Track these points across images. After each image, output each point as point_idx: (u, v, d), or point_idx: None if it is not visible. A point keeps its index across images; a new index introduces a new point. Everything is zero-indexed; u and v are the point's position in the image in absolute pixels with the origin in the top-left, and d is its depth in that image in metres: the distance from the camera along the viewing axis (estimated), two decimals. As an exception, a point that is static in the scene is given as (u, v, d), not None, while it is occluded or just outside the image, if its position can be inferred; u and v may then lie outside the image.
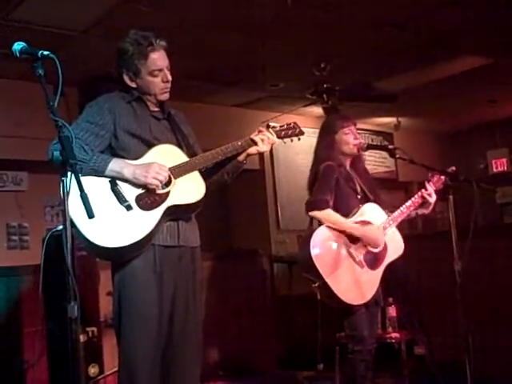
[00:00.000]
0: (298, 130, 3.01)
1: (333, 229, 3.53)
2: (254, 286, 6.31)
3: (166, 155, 2.66)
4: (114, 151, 2.66)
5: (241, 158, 2.85)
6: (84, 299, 2.13)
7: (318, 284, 3.46)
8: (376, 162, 8.52)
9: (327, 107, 6.38)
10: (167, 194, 2.60)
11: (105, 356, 4.46)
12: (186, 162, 2.69)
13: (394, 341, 4.30)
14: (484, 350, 3.98)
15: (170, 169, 2.62)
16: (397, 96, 6.51)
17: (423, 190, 3.70)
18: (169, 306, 2.64)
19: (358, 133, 3.92)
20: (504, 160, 8.99)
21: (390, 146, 3.97)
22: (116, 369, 2.69)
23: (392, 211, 3.71)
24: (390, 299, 4.45)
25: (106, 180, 2.55)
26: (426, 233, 7.90)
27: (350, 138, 3.75)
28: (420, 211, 3.75)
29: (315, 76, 6.06)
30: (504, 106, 7.98)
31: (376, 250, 3.57)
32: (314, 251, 3.44)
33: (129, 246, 2.48)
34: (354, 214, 3.64)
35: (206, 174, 2.76)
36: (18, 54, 2.10)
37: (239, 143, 2.81)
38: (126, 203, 2.53)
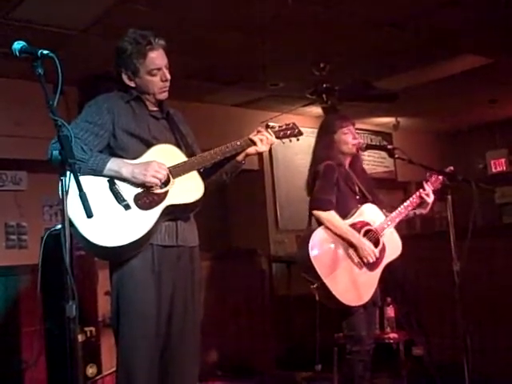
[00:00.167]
0: (296, 130, 3.01)
1: (331, 230, 3.53)
2: (253, 285, 6.31)
3: (165, 155, 2.66)
4: (113, 151, 2.65)
5: (240, 157, 2.85)
6: (82, 299, 2.13)
7: (317, 285, 3.46)
8: (375, 162, 8.52)
9: (326, 107, 6.38)
10: (166, 193, 2.60)
11: (103, 356, 4.46)
12: (185, 161, 2.68)
13: (392, 341, 4.30)
14: (482, 351, 3.98)
15: (168, 168, 2.62)
16: (397, 96, 6.51)
17: (421, 190, 3.71)
18: (167, 306, 2.64)
19: (357, 133, 3.92)
20: (503, 160, 8.99)
21: (389, 146, 3.97)
22: (114, 369, 2.69)
23: (390, 211, 3.72)
24: (389, 299, 4.45)
25: (105, 179, 2.55)
26: (424, 233, 7.89)
27: (349, 137, 3.75)
28: (418, 211, 3.75)
29: (315, 76, 6.06)
30: (504, 106, 7.98)
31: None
32: (313, 252, 3.44)
33: (127, 245, 2.48)
34: (353, 214, 3.64)
35: (204, 174, 2.76)
36: (17, 53, 2.09)
37: (238, 143, 2.81)
38: (125, 202, 2.52)
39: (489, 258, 4.70)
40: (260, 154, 2.94)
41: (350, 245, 3.53)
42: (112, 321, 2.67)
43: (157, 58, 2.68)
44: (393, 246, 3.67)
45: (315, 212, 3.59)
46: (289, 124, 3.02)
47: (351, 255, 3.53)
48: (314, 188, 3.68)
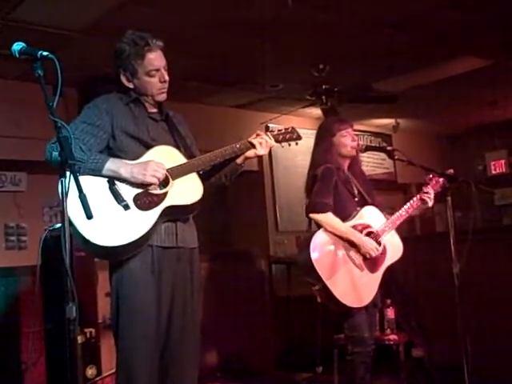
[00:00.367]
0: (295, 134, 3.01)
1: (332, 232, 3.53)
2: (253, 287, 6.31)
3: (164, 156, 2.66)
4: (112, 152, 2.66)
5: (239, 160, 2.86)
6: (82, 300, 2.13)
7: (318, 287, 3.46)
8: (375, 164, 8.52)
9: (326, 108, 6.39)
10: (165, 194, 2.60)
11: (103, 357, 4.46)
12: (184, 163, 2.69)
13: (392, 343, 4.30)
14: (482, 353, 3.98)
15: (168, 170, 2.62)
16: (396, 97, 6.51)
17: (422, 193, 3.71)
18: (167, 307, 2.65)
19: (357, 134, 3.93)
20: (502, 162, 8.98)
21: (389, 148, 3.98)
22: (114, 370, 2.69)
23: (390, 213, 3.72)
24: (389, 301, 4.45)
25: (104, 180, 2.55)
26: (424, 235, 7.90)
27: (348, 140, 3.75)
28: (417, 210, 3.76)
29: (314, 77, 6.06)
30: (504, 107, 7.98)
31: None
32: (314, 255, 3.45)
33: (126, 245, 2.48)
34: (353, 217, 3.65)
35: (203, 176, 2.77)
36: (17, 55, 2.09)
37: (238, 146, 2.82)
38: (124, 203, 2.53)
39: (489, 259, 4.70)
40: (260, 157, 2.95)
41: (351, 244, 3.54)
42: (112, 322, 2.68)
43: (155, 59, 2.69)
44: (394, 248, 3.68)
45: (312, 215, 3.60)
46: (288, 128, 3.02)
47: (352, 257, 3.54)
48: (311, 191, 3.69)
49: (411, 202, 3.72)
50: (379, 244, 3.61)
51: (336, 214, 3.58)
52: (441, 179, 3.69)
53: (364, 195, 3.76)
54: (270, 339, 6.17)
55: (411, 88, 6.73)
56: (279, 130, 3.00)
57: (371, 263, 3.57)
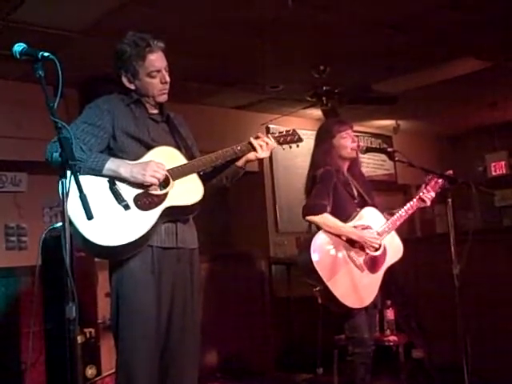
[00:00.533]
0: (296, 136, 3.01)
1: (331, 232, 3.54)
2: (253, 287, 6.31)
3: (165, 157, 2.67)
4: (113, 152, 2.66)
5: (240, 163, 2.87)
6: (82, 300, 2.13)
7: (319, 288, 3.47)
8: (375, 165, 8.52)
9: (326, 109, 6.39)
10: (165, 195, 2.61)
11: (102, 357, 4.46)
12: (185, 164, 2.70)
13: (391, 344, 4.30)
14: (482, 354, 3.98)
15: (168, 170, 2.63)
16: (396, 98, 6.51)
17: (421, 194, 3.72)
18: (167, 307, 2.65)
19: (357, 136, 3.93)
20: (503, 163, 8.98)
21: (389, 149, 3.98)
22: (114, 370, 2.69)
23: (390, 213, 3.73)
24: (389, 302, 4.46)
25: (105, 179, 2.56)
26: (424, 236, 7.91)
27: (348, 141, 3.76)
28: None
29: (315, 78, 6.06)
30: (504, 109, 7.98)
31: (376, 254, 3.58)
32: (315, 256, 3.45)
33: (125, 244, 2.49)
34: (353, 218, 3.65)
35: (204, 178, 2.77)
36: (18, 56, 2.10)
37: (238, 147, 2.83)
38: (124, 203, 2.53)
39: (489, 260, 4.70)
40: (261, 160, 2.95)
41: (351, 243, 3.54)
42: (111, 322, 2.68)
43: (156, 60, 2.70)
44: (394, 249, 3.68)
45: (308, 218, 3.61)
46: (289, 130, 3.02)
47: (353, 258, 3.54)
48: (310, 192, 3.69)
49: (411, 202, 3.73)
50: (379, 245, 3.61)
51: (336, 215, 3.59)
52: (440, 180, 3.69)
53: (364, 196, 3.76)
54: (269, 340, 6.17)
55: (411, 89, 6.73)
56: (280, 132, 3.00)
57: (371, 264, 3.57)
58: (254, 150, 2.83)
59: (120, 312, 2.60)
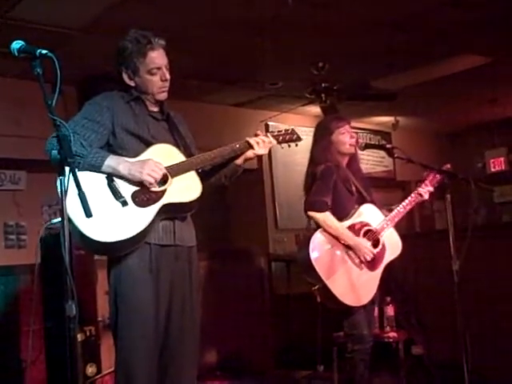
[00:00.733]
0: (295, 136, 3.02)
1: (329, 232, 3.54)
2: (252, 284, 6.32)
3: (164, 154, 2.67)
4: (113, 149, 2.67)
5: (238, 161, 2.88)
6: (82, 298, 2.13)
7: (318, 286, 3.47)
8: (374, 162, 8.52)
9: (325, 106, 6.38)
10: (163, 192, 2.61)
11: (102, 355, 4.46)
12: (184, 161, 2.70)
13: (391, 340, 4.30)
14: (482, 351, 3.98)
15: (167, 167, 2.63)
16: (396, 95, 6.51)
17: (419, 189, 3.73)
18: (165, 305, 2.65)
19: (356, 132, 3.93)
20: (502, 159, 8.98)
21: (388, 146, 3.98)
22: (113, 369, 2.68)
23: (388, 210, 3.73)
24: (388, 299, 4.46)
25: (103, 176, 2.56)
26: (423, 232, 7.91)
27: (347, 137, 3.76)
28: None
29: (314, 75, 6.06)
30: (503, 105, 7.97)
31: (375, 251, 3.57)
32: (314, 254, 3.46)
33: (123, 240, 2.49)
34: (352, 215, 3.65)
35: (203, 176, 2.78)
36: (16, 53, 2.09)
37: (237, 145, 2.84)
38: (122, 199, 2.54)
39: (488, 257, 4.71)
40: (259, 157, 2.95)
41: (348, 246, 3.55)
42: (110, 320, 2.68)
43: (157, 57, 2.70)
44: (393, 245, 3.69)
45: (310, 213, 3.61)
46: (288, 129, 3.04)
47: (351, 256, 3.54)
48: (311, 189, 3.69)
49: (409, 198, 3.73)
50: (378, 241, 3.62)
51: (335, 212, 3.59)
52: (438, 175, 3.70)
53: (362, 193, 3.76)
54: (269, 337, 6.17)
55: (411, 86, 6.72)
56: (279, 131, 3.01)
57: (370, 261, 3.58)
58: (252, 148, 2.84)
59: (118, 311, 2.60)
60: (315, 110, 7.04)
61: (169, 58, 2.75)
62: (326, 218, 3.55)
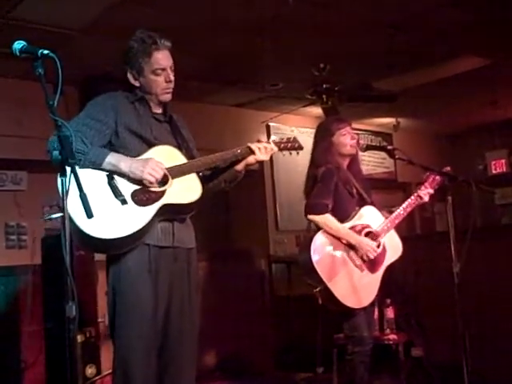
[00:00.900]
0: (297, 144, 3.03)
1: (331, 233, 3.54)
2: (253, 286, 6.32)
3: (165, 155, 2.68)
4: (114, 148, 2.67)
5: (239, 167, 2.89)
6: (82, 299, 2.13)
7: (320, 289, 3.47)
8: (375, 163, 8.52)
9: (327, 107, 6.39)
10: (163, 192, 2.61)
11: (102, 356, 4.46)
12: (185, 163, 2.71)
13: (391, 342, 4.31)
14: (482, 352, 3.98)
15: (168, 168, 2.63)
16: (396, 96, 6.51)
17: (419, 191, 3.72)
18: (164, 306, 2.65)
19: (357, 133, 3.92)
20: (503, 161, 8.97)
21: (389, 147, 3.98)
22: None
23: (389, 211, 3.73)
24: (388, 300, 4.46)
25: (104, 173, 2.57)
26: (424, 234, 7.90)
27: (347, 138, 3.76)
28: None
29: (315, 76, 6.06)
30: (504, 107, 7.97)
31: (374, 255, 3.57)
32: (315, 257, 3.45)
33: (120, 238, 2.49)
34: (352, 217, 3.65)
35: (203, 181, 2.78)
36: (18, 53, 2.09)
37: (238, 150, 2.85)
38: (121, 197, 2.54)
39: (489, 259, 4.70)
40: (260, 162, 2.94)
41: (350, 246, 3.54)
42: (108, 319, 2.68)
43: (162, 58, 2.72)
44: (393, 247, 3.68)
45: (310, 217, 3.61)
46: (290, 138, 3.05)
47: (352, 258, 3.54)
48: (311, 191, 3.69)
49: (409, 200, 3.73)
50: (378, 244, 3.61)
51: (336, 214, 3.59)
52: (437, 177, 3.69)
53: (362, 194, 3.76)
54: (269, 338, 6.17)
55: (412, 87, 6.72)
56: (281, 139, 3.03)
57: (371, 263, 3.58)
58: (253, 153, 2.85)
59: (116, 310, 2.61)
60: (316, 111, 7.03)
61: (174, 59, 2.76)
62: (327, 219, 3.55)
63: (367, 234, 3.62)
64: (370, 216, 3.69)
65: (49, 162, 2.23)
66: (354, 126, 3.91)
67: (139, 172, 2.55)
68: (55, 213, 5.48)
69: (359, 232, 3.61)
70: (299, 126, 7.42)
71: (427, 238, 6.09)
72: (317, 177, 3.66)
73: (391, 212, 3.72)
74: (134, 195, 2.57)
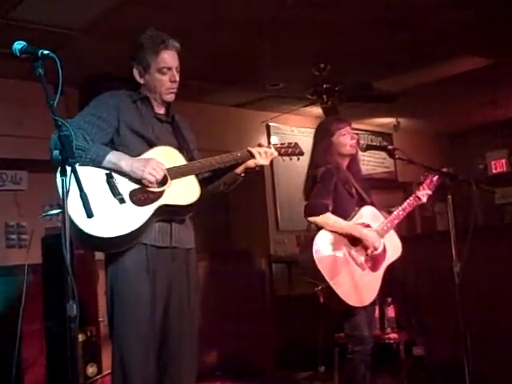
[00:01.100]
0: (298, 150, 3.05)
1: (333, 232, 3.54)
2: (253, 286, 6.32)
3: (166, 156, 2.68)
4: (115, 147, 2.67)
5: (239, 170, 2.89)
6: (83, 298, 2.13)
7: (321, 287, 3.47)
8: (375, 163, 8.52)
9: (327, 107, 6.39)
10: (161, 192, 2.62)
11: (103, 355, 4.47)
12: (184, 164, 2.72)
13: (392, 341, 4.31)
14: (483, 352, 3.98)
15: (167, 169, 2.63)
16: (397, 96, 6.51)
17: (417, 192, 3.74)
18: (162, 305, 2.65)
19: (357, 133, 3.93)
20: (503, 161, 8.97)
21: (390, 147, 3.99)
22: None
23: (388, 212, 3.74)
24: (389, 299, 4.46)
25: (103, 172, 2.57)
26: (425, 233, 7.90)
27: (347, 138, 3.76)
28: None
29: (315, 76, 6.06)
30: (505, 106, 7.97)
31: (376, 252, 3.58)
32: (317, 255, 3.46)
33: (116, 237, 2.49)
34: (353, 217, 3.66)
35: (203, 183, 2.79)
36: (18, 54, 2.10)
37: (239, 154, 2.86)
38: (120, 196, 2.54)
39: (489, 258, 4.70)
40: (260, 167, 2.94)
41: (353, 240, 3.54)
42: (107, 320, 2.68)
43: (169, 57, 2.76)
44: (393, 247, 3.69)
45: (310, 218, 3.61)
46: (291, 143, 3.07)
47: (354, 256, 3.55)
48: (311, 192, 3.69)
49: (407, 201, 3.74)
50: (379, 245, 3.62)
51: (336, 214, 3.59)
52: (435, 178, 3.70)
53: (362, 194, 3.77)
54: (270, 338, 6.17)
55: (412, 87, 6.72)
56: (282, 144, 3.05)
57: (372, 262, 3.58)
58: (254, 157, 2.85)
59: (115, 309, 2.61)
60: (316, 110, 7.03)
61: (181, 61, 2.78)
62: (328, 219, 3.55)
63: (368, 233, 3.62)
64: (369, 216, 3.70)
65: (49, 161, 2.24)
66: (354, 125, 3.91)
67: (140, 172, 2.55)
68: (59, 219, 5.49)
69: (360, 230, 3.61)
70: (299, 126, 7.42)
71: (428, 238, 6.10)
72: (316, 177, 3.66)
73: (390, 212, 3.73)
74: (132, 194, 2.57)
